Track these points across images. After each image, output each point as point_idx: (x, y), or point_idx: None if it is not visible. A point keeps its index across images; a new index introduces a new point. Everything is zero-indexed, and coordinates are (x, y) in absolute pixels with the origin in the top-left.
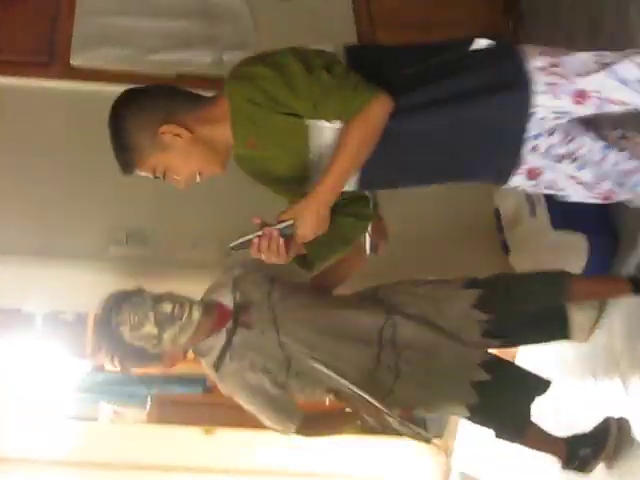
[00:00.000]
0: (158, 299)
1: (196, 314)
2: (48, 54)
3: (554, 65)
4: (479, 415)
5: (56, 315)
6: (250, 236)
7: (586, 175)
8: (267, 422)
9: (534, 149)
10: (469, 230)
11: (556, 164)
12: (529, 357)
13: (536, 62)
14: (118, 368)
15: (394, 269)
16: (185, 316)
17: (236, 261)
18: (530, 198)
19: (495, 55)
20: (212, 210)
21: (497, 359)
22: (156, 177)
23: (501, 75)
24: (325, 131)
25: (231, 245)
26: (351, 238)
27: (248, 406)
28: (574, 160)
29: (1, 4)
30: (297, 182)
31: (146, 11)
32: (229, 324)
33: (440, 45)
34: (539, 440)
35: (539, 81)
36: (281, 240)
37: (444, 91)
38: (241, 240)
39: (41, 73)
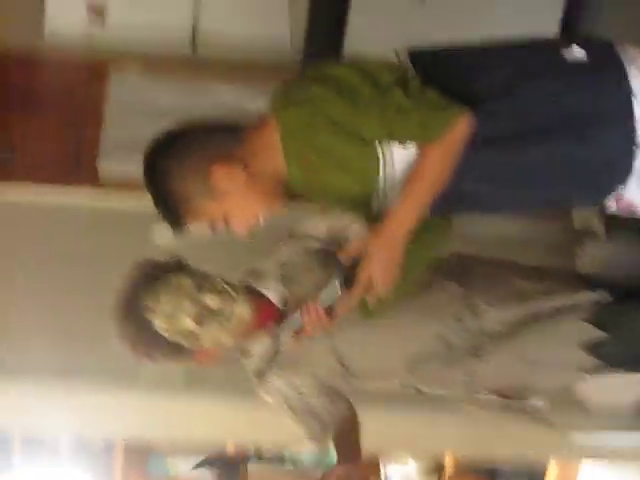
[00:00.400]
0: (201, 286)
1: (243, 310)
2: (74, 166)
3: None
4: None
5: (83, 442)
6: (295, 317)
7: None
8: (301, 431)
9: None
10: None
11: None
12: None
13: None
14: (142, 358)
15: None
16: (230, 312)
17: (283, 236)
18: None
19: (594, 71)
20: None
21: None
22: (213, 228)
23: (603, 100)
24: (399, 156)
25: (280, 332)
26: (415, 265)
27: (284, 414)
28: None
29: (25, 110)
30: (363, 203)
31: (178, 117)
32: (273, 325)
33: (527, 47)
34: None
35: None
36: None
37: (533, 118)
38: (288, 325)
39: (66, 185)
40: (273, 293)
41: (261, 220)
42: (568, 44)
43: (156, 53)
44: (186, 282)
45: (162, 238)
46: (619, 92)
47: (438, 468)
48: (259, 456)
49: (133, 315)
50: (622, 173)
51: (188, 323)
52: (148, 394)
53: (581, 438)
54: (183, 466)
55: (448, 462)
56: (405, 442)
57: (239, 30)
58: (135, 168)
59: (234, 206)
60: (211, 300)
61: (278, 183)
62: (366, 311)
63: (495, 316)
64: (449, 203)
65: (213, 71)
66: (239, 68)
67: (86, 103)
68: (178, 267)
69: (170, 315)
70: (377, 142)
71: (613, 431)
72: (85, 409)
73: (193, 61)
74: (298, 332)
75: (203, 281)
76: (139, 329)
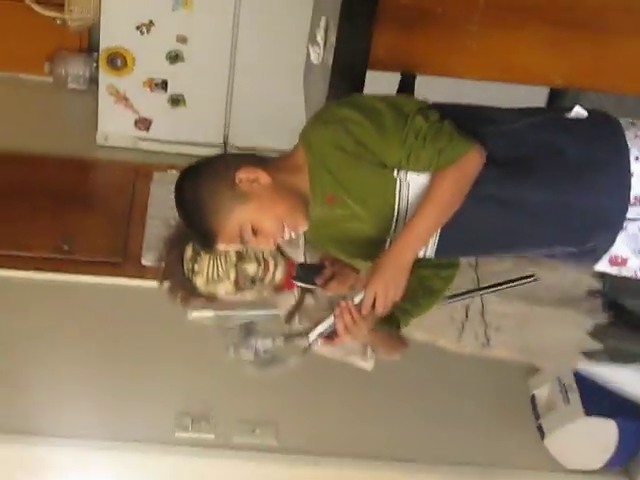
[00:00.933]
0: (243, 255)
1: (279, 275)
2: (122, 255)
3: None
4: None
5: None
6: (329, 321)
7: None
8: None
9: (623, 229)
10: (508, 415)
11: None
12: None
13: (634, 131)
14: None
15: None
16: (268, 279)
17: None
18: (564, 386)
19: (594, 125)
20: (271, 397)
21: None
22: (243, 242)
23: (601, 149)
24: (413, 185)
25: (310, 340)
26: (436, 289)
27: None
28: None
29: (81, 210)
30: (376, 245)
31: None
32: (297, 287)
33: (534, 108)
34: None
35: (635, 149)
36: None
37: (537, 161)
38: (320, 329)
39: (115, 272)
40: (296, 256)
41: (287, 233)
42: (571, 107)
43: (193, 155)
44: (230, 251)
45: (196, 313)
46: (616, 146)
47: None
48: None
49: (175, 272)
50: (613, 225)
51: (228, 287)
52: (184, 456)
53: None
54: None
55: None
56: None
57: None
58: None
59: (259, 212)
60: (252, 269)
61: (305, 202)
62: (392, 321)
63: (498, 309)
64: (461, 238)
65: None
66: None
67: (133, 201)
68: None
69: (213, 279)
70: (396, 170)
71: None
72: (129, 467)
73: None
74: (330, 337)
75: (246, 252)
76: (180, 284)
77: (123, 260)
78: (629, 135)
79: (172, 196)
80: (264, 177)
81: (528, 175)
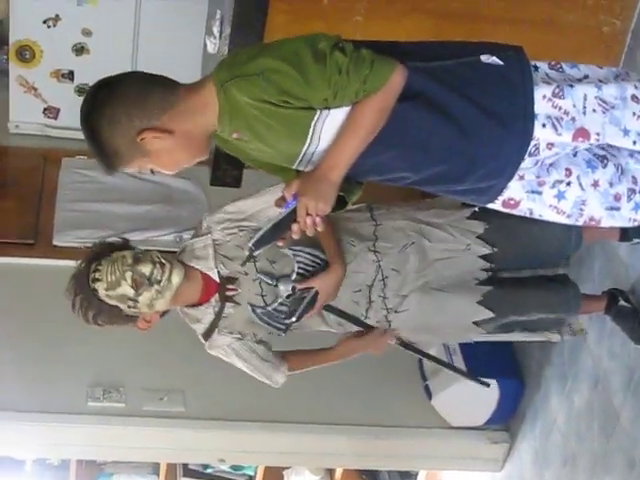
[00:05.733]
0: (139, 258)
1: (176, 279)
2: (33, 236)
3: (558, 96)
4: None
5: (43, 460)
6: (278, 217)
7: (566, 205)
8: (256, 377)
9: (520, 177)
10: (397, 379)
11: (536, 195)
12: None
13: (542, 91)
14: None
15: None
16: (164, 279)
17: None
18: (448, 350)
19: (504, 79)
20: (178, 367)
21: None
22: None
23: (505, 106)
24: (333, 119)
25: (253, 241)
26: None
27: (238, 366)
28: (557, 190)
29: None
30: (282, 169)
31: (117, 198)
32: (215, 298)
33: (452, 46)
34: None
35: (542, 112)
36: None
37: (449, 105)
38: (266, 230)
39: (27, 253)
40: (209, 270)
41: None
42: (490, 53)
43: None
44: (126, 255)
45: None
46: (524, 102)
47: (330, 470)
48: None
49: (83, 285)
50: (508, 176)
51: (127, 290)
52: (96, 425)
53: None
54: None
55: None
56: (304, 459)
57: None
58: (83, 241)
59: (158, 162)
60: (147, 269)
61: (205, 140)
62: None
63: (398, 292)
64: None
65: None
66: None
67: (43, 185)
68: (123, 246)
69: (112, 283)
70: (319, 111)
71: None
72: (45, 434)
73: None
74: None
75: (141, 254)
76: (87, 299)
77: (35, 241)
78: (537, 96)
79: (80, 180)
80: (165, 137)
81: (434, 117)
